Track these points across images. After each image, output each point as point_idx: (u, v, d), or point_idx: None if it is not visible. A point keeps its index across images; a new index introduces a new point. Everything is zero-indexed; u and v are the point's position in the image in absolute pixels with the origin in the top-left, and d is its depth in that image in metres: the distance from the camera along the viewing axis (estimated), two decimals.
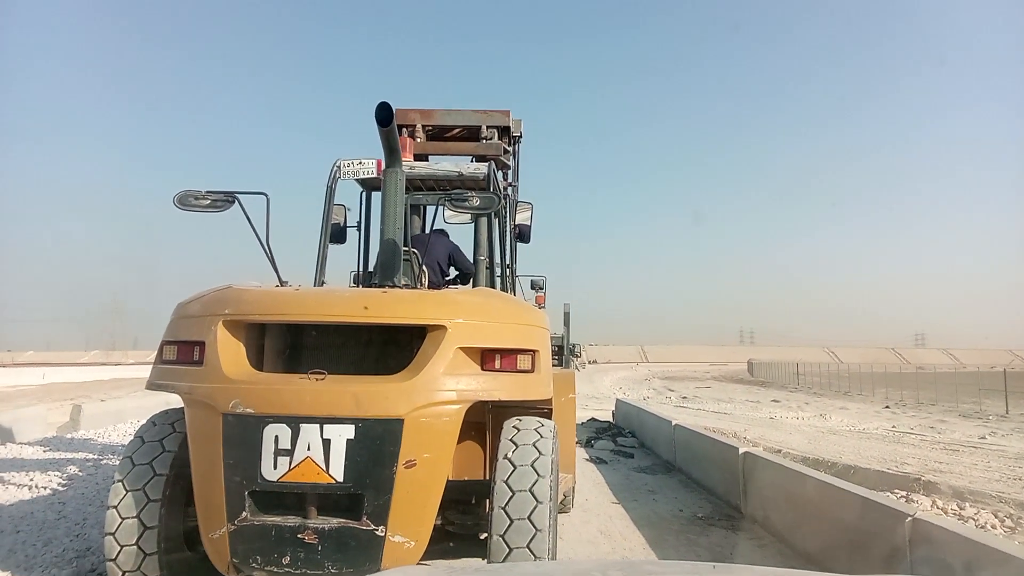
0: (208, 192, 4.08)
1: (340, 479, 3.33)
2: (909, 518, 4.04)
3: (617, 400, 18.31)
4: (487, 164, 5.80)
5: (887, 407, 25.13)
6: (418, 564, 3.44)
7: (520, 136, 6.89)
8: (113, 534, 3.64)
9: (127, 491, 3.69)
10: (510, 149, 6.77)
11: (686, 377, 52.54)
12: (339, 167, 5.25)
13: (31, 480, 7.58)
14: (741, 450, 6.94)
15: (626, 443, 12.12)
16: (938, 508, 7.04)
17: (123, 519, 3.64)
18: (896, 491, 7.71)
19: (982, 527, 6.27)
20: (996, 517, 6.70)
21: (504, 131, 6.60)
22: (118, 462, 4.01)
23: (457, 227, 6.30)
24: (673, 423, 10.15)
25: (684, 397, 29.14)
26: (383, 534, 3.34)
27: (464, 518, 4.14)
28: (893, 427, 17.03)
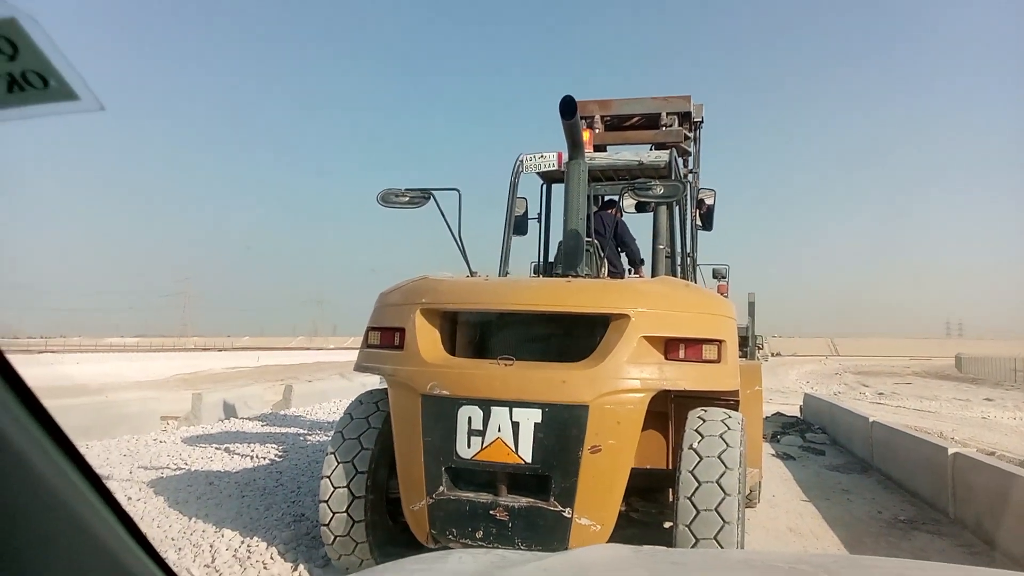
0: (407, 190, 4.41)
1: (528, 460, 3.47)
2: None
3: (805, 395, 17.37)
4: (668, 151, 5.73)
5: None
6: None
7: (701, 121, 6.72)
8: (327, 501, 4.00)
9: (338, 463, 4.05)
10: (691, 135, 6.63)
11: (882, 372, 48.54)
12: (522, 161, 5.43)
13: (252, 451, 8.45)
14: (951, 451, 6.38)
15: (816, 439, 11.48)
16: None
17: (335, 488, 4.00)
18: None
19: None
20: None
21: (685, 117, 6.47)
22: (330, 436, 4.42)
23: (636, 216, 6.30)
24: (871, 420, 9.50)
25: (880, 393, 26.98)
26: (570, 516, 3.43)
27: (648, 506, 4.16)
28: None
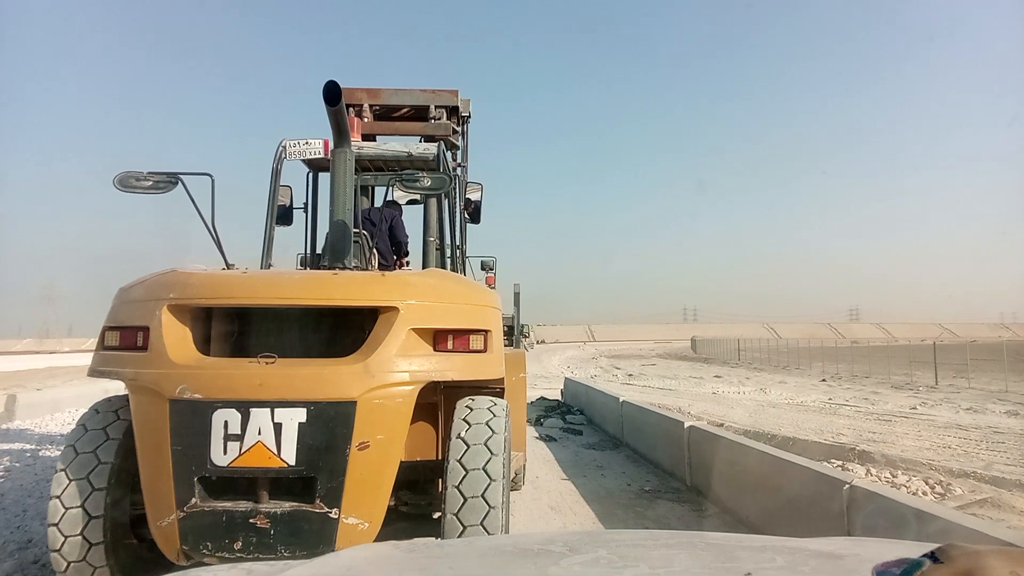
0: (150, 173, 3.98)
1: (292, 463, 3.31)
2: (846, 486, 4.22)
3: (566, 379, 18.50)
4: (436, 144, 5.76)
5: (823, 380, 25.95)
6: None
7: (469, 116, 6.84)
8: (57, 524, 3.55)
9: (70, 480, 3.60)
10: (459, 129, 6.73)
11: (632, 355, 53.31)
12: (285, 147, 5.16)
13: None
14: (686, 424, 7.11)
15: (575, 420, 12.28)
16: (872, 476, 7.35)
17: (67, 509, 3.56)
18: (833, 460, 8.02)
19: (913, 493, 6.57)
20: (926, 483, 7.03)
21: (453, 111, 6.55)
22: (60, 451, 3.91)
23: (408, 208, 6.28)
24: (621, 399, 10.33)
25: (630, 374, 29.59)
26: (336, 516, 3.33)
27: (417, 498, 4.15)
28: (829, 399, 17.61)
